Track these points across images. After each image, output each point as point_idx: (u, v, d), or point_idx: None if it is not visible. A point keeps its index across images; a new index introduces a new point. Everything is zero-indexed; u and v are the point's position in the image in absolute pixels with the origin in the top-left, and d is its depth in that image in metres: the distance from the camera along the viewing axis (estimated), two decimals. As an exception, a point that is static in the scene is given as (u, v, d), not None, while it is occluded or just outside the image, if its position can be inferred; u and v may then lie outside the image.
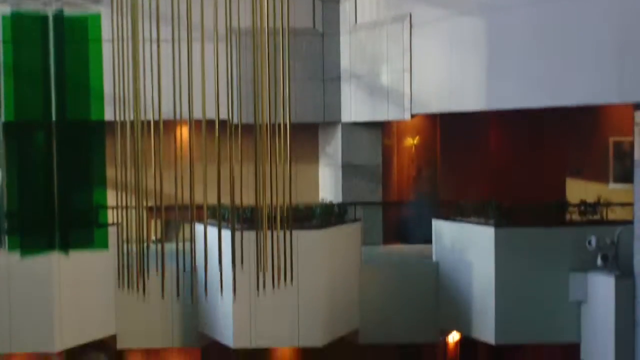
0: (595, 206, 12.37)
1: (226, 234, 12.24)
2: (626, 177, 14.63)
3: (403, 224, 16.40)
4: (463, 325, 12.80)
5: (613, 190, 15.61)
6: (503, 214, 12.28)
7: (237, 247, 12.00)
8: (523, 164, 17.12)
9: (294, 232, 12.04)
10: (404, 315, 13.20)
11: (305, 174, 16.14)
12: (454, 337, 19.61)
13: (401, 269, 13.52)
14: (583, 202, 12.46)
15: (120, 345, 13.04)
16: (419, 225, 14.82)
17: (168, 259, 13.26)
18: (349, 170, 15.77)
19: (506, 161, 17.42)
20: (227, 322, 12.20)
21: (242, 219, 12.16)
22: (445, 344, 19.30)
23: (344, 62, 15.47)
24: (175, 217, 15.44)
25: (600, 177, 16.04)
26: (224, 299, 12.22)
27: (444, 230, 13.19)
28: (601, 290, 11.67)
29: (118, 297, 12.73)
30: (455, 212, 13.13)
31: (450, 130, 16.89)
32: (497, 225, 12.13)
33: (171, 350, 15.26)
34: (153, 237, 16.08)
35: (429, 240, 13.55)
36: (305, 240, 12.02)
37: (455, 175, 16.75)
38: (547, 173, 16.77)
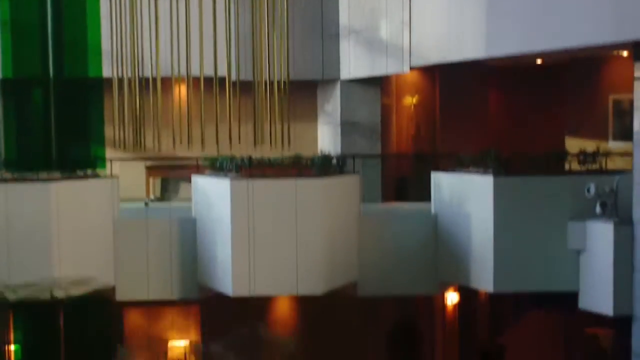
0: (594, 155, 12.35)
1: (225, 183, 12.33)
2: (626, 134, 14.60)
3: (402, 182, 16.40)
4: (462, 276, 12.80)
5: (613, 148, 15.59)
6: (502, 163, 12.26)
7: (236, 195, 12.10)
8: (522, 123, 17.12)
9: (293, 180, 12.14)
10: (403, 267, 13.21)
11: (304, 132, 16.11)
12: (452, 299, 19.67)
13: (400, 221, 13.51)
14: (582, 152, 12.44)
15: (119, 297, 13.03)
16: (418, 184, 14.82)
17: (167, 214, 13.37)
18: (347, 128, 15.75)
19: (505, 120, 17.41)
20: (226, 270, 12.20)
21: (241, 168, 12.23)
22: (444, 306, 19.37)
23: (343, 18, 15.43)
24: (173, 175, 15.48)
25: (600, 135, 16.00)
26: (223, 248, 12.28)
27: (443, 182, 13.17)
28: (600, 238, 11.67)
29: (117, 249, 12.75)
30: (454, 164, 13.12)
31: (449, 90, 16.87)
32: (496, 175, 12.11)
33: (170, 307, 15.30)
34: (152, 196, 16.15)
35: (428, 199, 13.54)
36: (304, 188, 12.05)
37: (454, 135, 16.72)
38: (546, 131, 16.74)
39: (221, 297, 12.67)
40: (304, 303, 15.86)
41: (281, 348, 14.44)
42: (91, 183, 12.58)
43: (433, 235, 13.18)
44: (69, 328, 13.20)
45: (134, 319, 15.03)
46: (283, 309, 14.91)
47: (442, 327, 19.08)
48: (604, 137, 16.06)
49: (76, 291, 10.62)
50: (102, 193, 12.65)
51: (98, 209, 12.54)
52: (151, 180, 15.88)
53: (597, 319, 20.09)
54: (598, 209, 11.65)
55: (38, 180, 11.94)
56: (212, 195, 12.60)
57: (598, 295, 11.71)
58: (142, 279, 12.84)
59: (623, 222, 11.44)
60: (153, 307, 14.85)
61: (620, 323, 11.86)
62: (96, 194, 12.58)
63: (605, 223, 11.56)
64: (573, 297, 12.17)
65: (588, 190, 11.70)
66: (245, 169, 11.98)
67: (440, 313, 19.03)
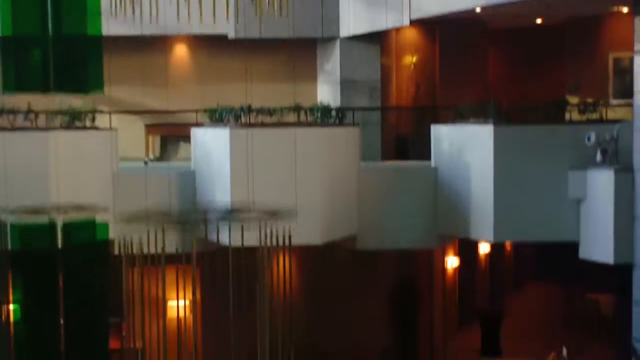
0: (594, 105, 12.30)
1: (224, 133, 12.29)
2: (626, 93, 14.55)
3: (402, 141, 16.37)
4: (462, 228, 12.76)
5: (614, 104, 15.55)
6: (502, 113, 12.22)
7: (236, 144, 12.08)
8: (521, 81, 17.07)
9: (293, 129, 12.10)
10: (403, 221, 13.18)
11: (303, 92, 16.08)
12: (452, 263, 19.70)
13: (400, 174, 13.51)
14: (583, 102, 12.40)
15: (117, 250, 12.98)
16: (419, 143, 14.79)
17: (166, 172, 13.31)
18: (347, 86, 15.71)
19: (505, 80, 17.37)
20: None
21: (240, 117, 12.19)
22: (444, 269, 19.39)
23: (342, -26, 15.38)
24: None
25: (600, 93, 15.96)
26: (222, 198, 12.23)
27: (443, 135, 13.14)
28: (600, 186, 11.65)
29: (116, 202, 12.70)
30: (454, 117, 13.08)
31: (449, 49, 16.80)
32: (496, 124, 12.08)
33: (169, 266, 15.26)
34: (151, 155, 16.13)
35: (428, 158, 13.50)
36: (304, 137, 12.01)
37: (454, 94, 16.63)
38: (546, 90, 16.69)
39: (221, 254, 12.58)
40: (304, 258, 15.88)
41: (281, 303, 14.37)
42: (90, 134, 12.54)
43: (433, 188, 13.15)
44: (67, 285, 13.17)
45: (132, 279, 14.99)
46: (283, 264, 14.86)
47: (442, 290, 19.10)
48: (604, 96, 16.02)
49: (75, 215, 10.55)
50: (101, 145, 12.62)
51: (97, 161, 12.50)
52: (150, 138, 15.84)
53: (597, 286, 20.22)
54: (598, 157, 11.62)
55: (37, 129, 11.89)
56: (211, 146, 12.57)
57: (598, 244, 11.69)
58: (140, 232, 12.79)
59: (623, 169, 11.42)
60: (152, 266, 14.80)
61: (621, 290, 11.86)
62: (95, 146, 12.55)
63: (605, 171, 11.53)
64: (574, 246, 12.15)
65: (588, 139, 11.67)
66: (245, 117, 11.93)
67: (440, 276, 19.05)
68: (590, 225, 11.84)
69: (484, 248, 22.22)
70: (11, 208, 8.82)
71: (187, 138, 13.84)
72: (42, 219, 10.21)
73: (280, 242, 12.03)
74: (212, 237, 12.52)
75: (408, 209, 13.18)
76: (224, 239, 12.24)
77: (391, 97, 16.56)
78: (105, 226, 12.78)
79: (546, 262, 25.41)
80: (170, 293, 13.81)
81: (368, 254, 16.46)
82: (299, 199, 11.97)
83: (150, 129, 15.76)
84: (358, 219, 13.06)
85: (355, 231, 13.06)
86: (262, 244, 12.07)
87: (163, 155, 16.22)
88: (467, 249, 20.43)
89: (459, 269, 19.97)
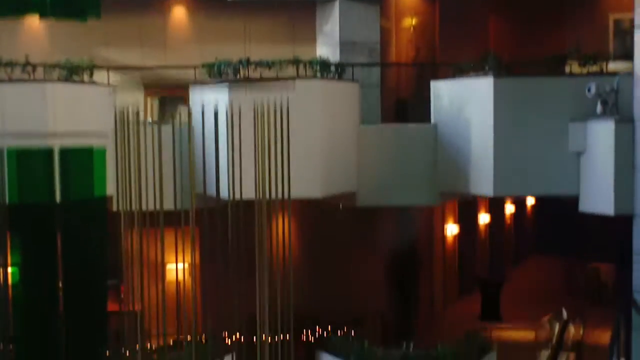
0: (595, 58, 12.23)
1: (222, 90, 12.22)
2: (627, 55, 14.48)
3: (401, 105, 16.31)
4: (461, 183, 12.71)
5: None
6: (502, 66, 12.16)
7: (236, 99, 11.99)
8: (522, 44, 17.00)
9: (291, 81, 12.02)
10: (402, 178, 13.14)
11: (302, 53, 15.94)
12: (452, 231, 19.68)
13: (399, 132, 13.43)
14: (583, 55, 12.33)
15: (116, 206, 12.93)
16: (418, 107, 14.72)
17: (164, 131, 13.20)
18: (346, 47, 15.57)
19: (505, 42, 17.29)
20: (223, 175, 12.08)
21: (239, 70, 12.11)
22: (444, 237, 19.37)
23: None
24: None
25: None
26: (222, 155, 12.15)
27: (442, 91, 13.08)
28: (601, 137, 11.60)
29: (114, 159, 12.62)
30: (454, 73, 13.02)
31: (449, 12, 16.74)
32: (496, 76, 12.01)
33: (168, 228, 15.20)
34: (149, 119, 16.02)
35: (428, 122, 13.45)
36: (303, 88, 11.94)
37: (453, 57, 16.58)
38: (546, 52, 16.60)
39: (221, 212, 12.48)
40: (303, 220, 15.86)
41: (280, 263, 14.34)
42: (88, 88, 12.47)
43: (433, 145, 13.09)
44: (65, 243, 13.10)
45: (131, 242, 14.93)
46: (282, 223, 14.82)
47: (442, 256, 19.10)
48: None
49: (72, 141, 10.54)
50: (100, 99, 12.55)
51: (96, 115, 12.43)
52: (149, 100, 15.76)
53: (598, 256, 20.20)
54: (599, 108, 11.57)
55: (35, 80, 11.82)
56: (211, 102, 12.48)
57: (599, 196, 11.64)
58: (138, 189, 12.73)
59: (624, 120, 11.36)
60: (151, 228, 14.74)
61: (621, 259, 11.79)
62: (94, 99, 12.47)
63: (606, 122, 11.48)
64: (574, 200, 12.11)
65: (589, 90, 11.61)
66: (244, 69, 11.85)
67: (439, 243, 19.05)
68: (591, 177, 11.80)
69: (484, 218, 22.24)
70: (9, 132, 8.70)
71: (186, 100, 13.79)
72: (39, 144, 10.19)
73: (280, 195, 12.06)
74: (211, 191, 12.51)
75: (408, 166, 13.13)
76: (224, 193, 12.24)
77: (390, 59, 16.47)
78: (102, 182, 12.74)
79: (546, 233, 25.49)
80: (169, 256, 13.79)
81: (368, 217, 16.46)
82: (298, 152, 11.89)
83: (149, 89, 15.67)
84: (358, 176, 13.01)
85: (355, 188, 13.01)
86: (261, 196, 12.10)
87: (162, 119, 16.09)
88: (467, 218, 20.45)
89: (459, 237, 19.98)
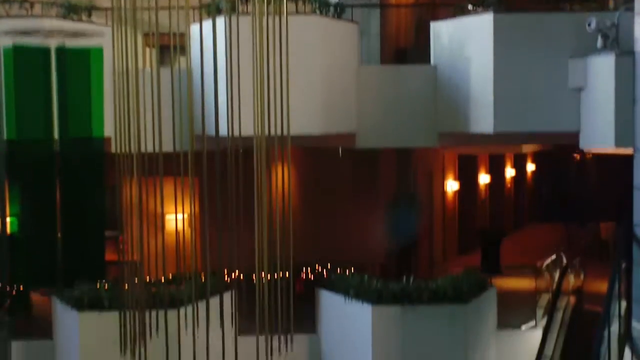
0: (595, -6, 12.17)
1: (219, 21, 12.10)
2: None
3: (401, 53, 16.26)
4: (461, 122, 12.65)
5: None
6: (502, 1, 12.09)
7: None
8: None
9: (290, 17, 11.92)
10: (402, 119, 13.10)
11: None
12: (452, 187, 19.66)
13: (399, 73, 13.39)
14: (583, -12, 12.27)
15: (114, 148, 12.88)
16: (419, 56, 14.66)
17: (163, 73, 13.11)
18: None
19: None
20: (222, 113, 12.01)
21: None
22: (444, 192, 19.34)
23: None
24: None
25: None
26: (221, 90, 12.08)
27: (442, 31, 13.01)
28: (601, 72, 11.53)
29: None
30: (454, 13, 12.95)
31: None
32: (496, 11, 11.95)
33: (167, 177, 15.15)
34: (148, 68, 15.93)
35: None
36: (300, 24, 11.84)
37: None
38: None
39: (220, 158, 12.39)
40: (303, 163, 15.84)
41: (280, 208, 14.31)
42: (86, 26, 12.40)
43: (432, 86, 13.04)
44: (63, 187, 13.05)
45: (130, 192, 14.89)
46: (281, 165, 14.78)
47: (442, 209, 19.08)
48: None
49: (71, 42, 10.49)
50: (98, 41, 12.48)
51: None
52: (147, 50, 15.65)
53: (598, 215, 20.15)
54: (599, 42, 11.48)
55: (32, 16, 11.77)
56: (208, 40, 12.41)
57: (599, 130, 11.59)
58: (136, 130, 12.67)
59: (624, 53, 11.29)
60: (150, 177, 14.69)
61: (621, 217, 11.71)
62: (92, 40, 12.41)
63: (606, 56, 11.41)
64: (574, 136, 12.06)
65: (589, 25, 11.53)
66: (242, 5, 11.78)
67: (439, 198, 19.03)
68: (591, 112, 11.74)
69: (484, 179, 22.25)
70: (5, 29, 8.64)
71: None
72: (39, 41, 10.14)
73: (279, 132, 12.00)
74: (210, 131, 12.44)
75: (407, 107, 13.09)
76: (223, 131, 12.17)
77: (390, 16, 16.41)
78: (100, 121, 12.69)
79: (546, 196, 25.51)
80: (169, 207, 13.72)
81: (368, 166, 16.45)
82: (296, 88, 11.83)
83: (148, 38, 15.53)
84: (357, 117, 12.96)
85: (354, 129, 12.96)
86: (260, 132, 12.04)
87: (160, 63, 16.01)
88: (466, 176, 20.44)
89: (459, 194, 19.98)
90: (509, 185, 24.63)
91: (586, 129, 11.89)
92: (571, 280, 14.78)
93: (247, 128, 11.91)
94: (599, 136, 11.60)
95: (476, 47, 12.34)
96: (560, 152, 22.72)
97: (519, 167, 25.58)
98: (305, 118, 12.05)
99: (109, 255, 16.15)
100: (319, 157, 16.00)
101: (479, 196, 21.67)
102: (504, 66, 12.03)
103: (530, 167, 26.94)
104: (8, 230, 13.56)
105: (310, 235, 15.66)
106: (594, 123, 11.69)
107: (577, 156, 25.62)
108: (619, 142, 11.33)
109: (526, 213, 25.55)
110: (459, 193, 19.95)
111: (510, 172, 24.73)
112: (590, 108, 11.75)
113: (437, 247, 18.64)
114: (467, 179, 20.66)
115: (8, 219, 13.51)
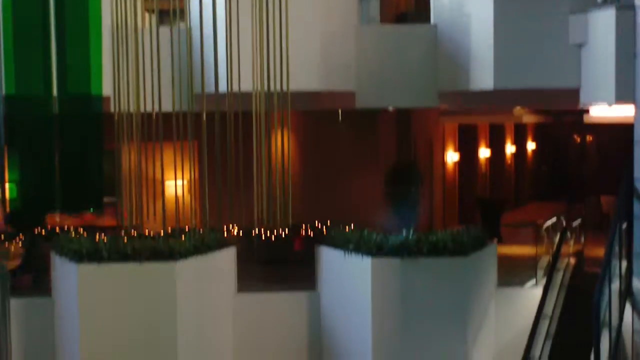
0: (596, -50, 12.08)
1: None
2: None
3: (401, 19, 16.18)
4: (461, 80, 12.60)
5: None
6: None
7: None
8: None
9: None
10: (402, 78, 13.05)
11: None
12: (452, 157, 19.61)
13: (399, 32, 13.36)
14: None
15: (113, 107, 12.83)
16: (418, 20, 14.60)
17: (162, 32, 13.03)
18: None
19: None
20: (221, 70, 11.97)
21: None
22: (444, 163, 19.30)
23: None
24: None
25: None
26: (221, 49, 12.05)
27: (443, -10, 12.96)
28: (601, 27, 11.48)
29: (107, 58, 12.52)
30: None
31: None
32: (496, -33, 11.91)
33: (166, 142, 15.13)
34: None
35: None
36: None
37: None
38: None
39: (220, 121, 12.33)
40: (303, 128, 15.80)
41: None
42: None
43: (432, 45, 12.98)
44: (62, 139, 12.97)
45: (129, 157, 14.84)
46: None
47: (442, 179, 19.05)
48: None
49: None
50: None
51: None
52: (147, 15, 15.60)
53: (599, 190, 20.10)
54: (600, -4, 11.46)
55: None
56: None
57: (599, 85, 11.54)
58: (134, 90, 12.62)
59: (624, 8, 11.24)
60: (149, 142, 14.64)
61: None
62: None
63: (607, 10, 11.36)
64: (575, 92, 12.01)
65: (590, -21, 11.50)
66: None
67: (439, 169, 18.99)
68: (592, 68, 11.70)
69: (484, 152, 22.21)
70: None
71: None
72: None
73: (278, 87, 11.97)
74: (210, 89, 12.40)
75: (407, 67, 13.04)
76: (222, 87, 12.14)
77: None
78: (98, 77, 12.62)
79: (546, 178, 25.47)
80: (168, 173, 13.69)
81: (367, 134, 16.42)
82: (293, 43, 11.78)
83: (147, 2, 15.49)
84: (357, 75, 12.91)
85: (353, 87, 12.91)
86: (259, 88, 12.01)
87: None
88: (466, 148, 20.41)
89: (459, 165, 19.95)
90: (509, 162, 24.59)
91: (586, 86, 11.85)
92: (571, 244, 14.74)
93: (247, 83, 11.89)
94: (600, 91, 11.55)
95: (476, 4, 12.28)
96: (560, 123, 22.76)
97: (519, 142, 25.55)
98: (304, 74, 12.03)
99: (108, 221, 16.17)
100: (319, 121, 15.98)
101: (479, 167, 21.64)
102: (504, 22, 11.99)
103: (531, 145, 26.92)
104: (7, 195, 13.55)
105: (312, 196, 15.64)
106: (595, 78, 11.65)
107: (577, 130, 25.58)
108: (619, 97, 11.29)
109: (527, 190, 25.54)
110: (459, 164, 19.91)
111: (510, 148, 24.69)
112: (591, 63, 11.71)
113: (437, 217, 18.61)
114: (467, 149, 20.64)
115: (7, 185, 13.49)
